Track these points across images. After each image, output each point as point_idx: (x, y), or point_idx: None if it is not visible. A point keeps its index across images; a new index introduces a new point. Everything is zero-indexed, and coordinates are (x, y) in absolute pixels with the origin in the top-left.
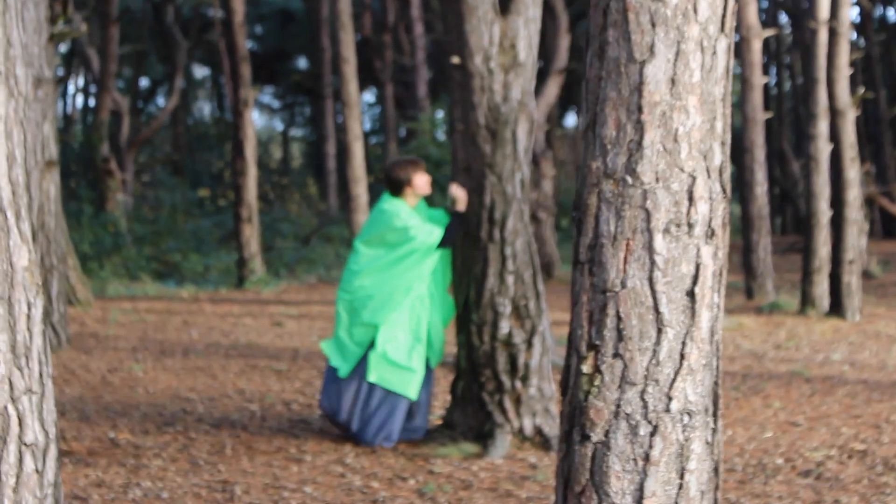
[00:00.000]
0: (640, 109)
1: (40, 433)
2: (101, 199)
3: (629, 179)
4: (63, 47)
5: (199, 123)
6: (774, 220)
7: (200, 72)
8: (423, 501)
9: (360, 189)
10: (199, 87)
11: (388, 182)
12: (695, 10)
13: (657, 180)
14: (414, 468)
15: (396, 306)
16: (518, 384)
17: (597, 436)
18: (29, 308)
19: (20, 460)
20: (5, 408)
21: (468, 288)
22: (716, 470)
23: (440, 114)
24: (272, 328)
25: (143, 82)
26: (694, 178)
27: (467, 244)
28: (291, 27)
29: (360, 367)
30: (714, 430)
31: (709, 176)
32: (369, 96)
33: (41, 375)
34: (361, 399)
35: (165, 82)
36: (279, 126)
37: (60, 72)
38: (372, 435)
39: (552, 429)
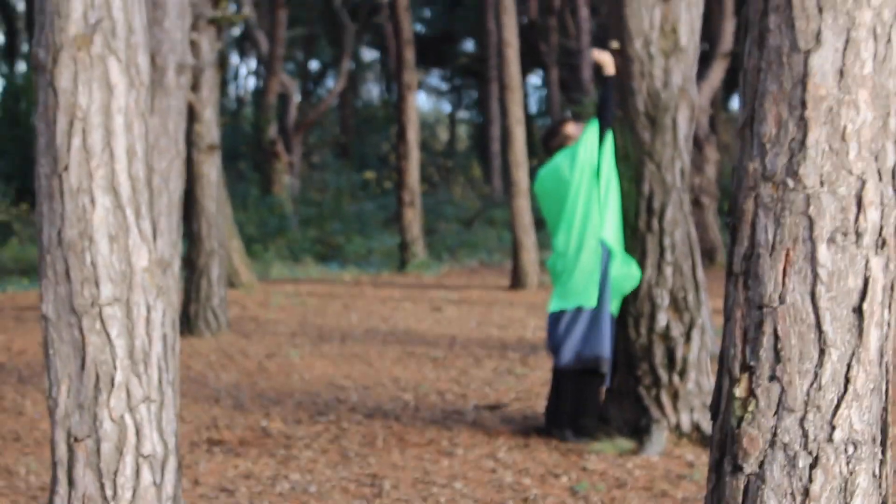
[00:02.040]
0: (803, 104)
1: (159, 444)
2: (267, 181)
3: (790, 183)
4: (236, 30)
5: (368, 106)
6: None
7: (370, 55)
8: (576, 500)
9: (521, 174)
10: (367, 70)
11: (549, 151)
12: None
13: (822, 184)
14: (567, 464)
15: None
16: (676, 378)
17: (750, 467)
18: (148, 311)
19: (137, 472)
20: (122, 417)
21: None
22: None
23: None
24: (431, 313)
25: (314, 65)
26: (864, 182)
27: (624, 234)
28: (459, 10)
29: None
30: (882, 462)
31: (880, 179)
32: (536, 79)
33: (160, 382)
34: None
35: (335, 65)
36: (447, 108)
37: (235, 56)
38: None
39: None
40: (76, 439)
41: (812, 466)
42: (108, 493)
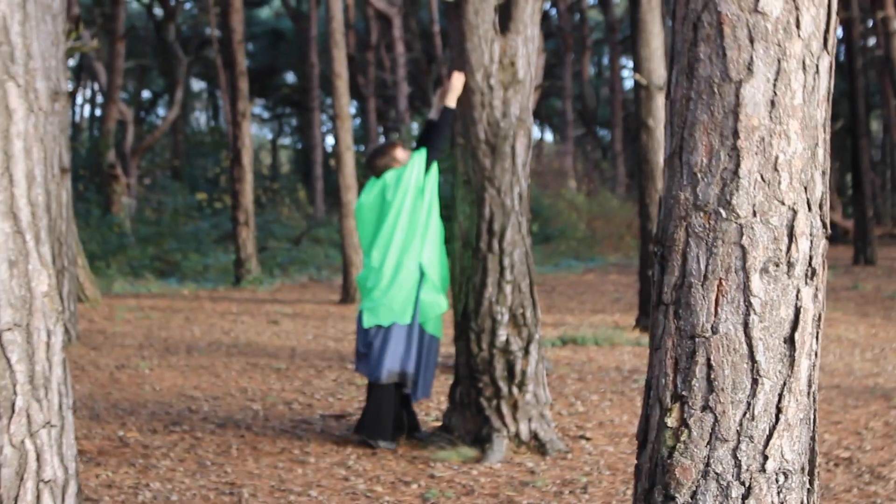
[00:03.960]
0: (735, 134)
1: (59, 469)
2: (107, 201)
3: (723, 212)
4: (72, 61)
5: (196, 132)
6: None
7: (197, 85)
8: None
9: (351, 196)
10: (195, 99)
11: (374, 170)
12: (797, 25)
13: (755, 214)
14: (415, 472)
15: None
16: (515, 390)
17: (682, 497)
18: (49, 336)
19: (38, 498)
20: (22, 442)
21: (467, 296)
22: None
23: (416, 127)
24: (269, 326)
25: (145, 94)
26: (795, 212)
27: (466, 254)
28: (281, 45)
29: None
30: (810, 491)
31: (809, 209)
32: (352, 109)
33: (61, 407)
34: (418, 347)
35: (165, 94)
36: (268, 135)
37: (70, 84)
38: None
39: (547, 433)
40: None
41: (745, 497)
42: None
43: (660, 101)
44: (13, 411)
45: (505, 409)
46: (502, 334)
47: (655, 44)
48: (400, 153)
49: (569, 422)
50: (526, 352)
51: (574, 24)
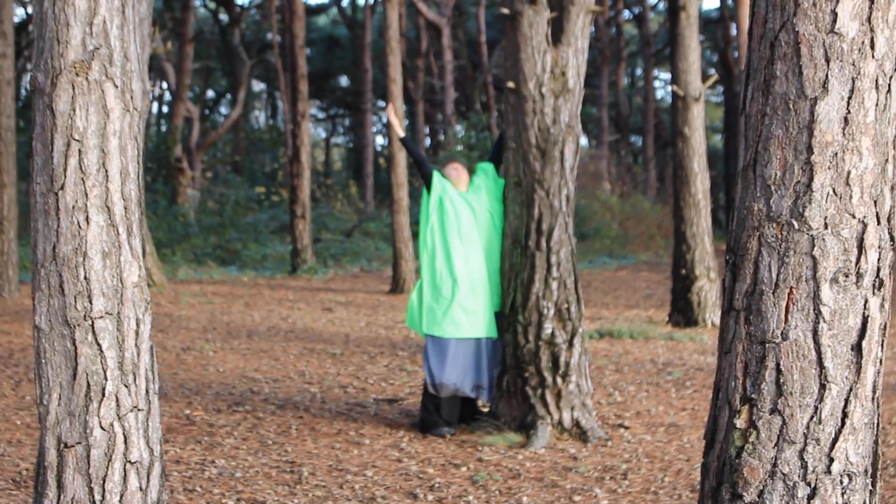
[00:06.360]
0: (809, 149)
1: (145, 451)
2: (173, 193)
3: (795, 224)
4: None
5: (256, 130)
6: None
7: (258, 86)
8: (476, 489)
9: (402, 193)
10: (255, 99)
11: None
12: (871, 46)
13: (826, 226)
14: (465, 455)
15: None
16: (559, 380)
17: (750, 496)
18: (137, 324)
19: (124, 478)
20: (111, 425)
21: (515, 291)
22: None
23: (460, 130)
24: (324, 313)
25: (210, 94)
26: (865, 225)
27: (515, 251)
28: (336, 51)
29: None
30: (871, 493)
31: (879, 223)
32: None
33: (147, 392)
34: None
35: (228, 94)
36: (322, 134)
37: None
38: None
39: (588, 421)
40: (66, 445)
41: (810, 497)
42: (97, 497)
43: (695, 110)
44: (103, 395)
45: (549, 398)
46: (548, 327)
47: (692, 57)
48: (448, 171)
49: (608, 411)
50: (570, 344)
51: (611, 37)
